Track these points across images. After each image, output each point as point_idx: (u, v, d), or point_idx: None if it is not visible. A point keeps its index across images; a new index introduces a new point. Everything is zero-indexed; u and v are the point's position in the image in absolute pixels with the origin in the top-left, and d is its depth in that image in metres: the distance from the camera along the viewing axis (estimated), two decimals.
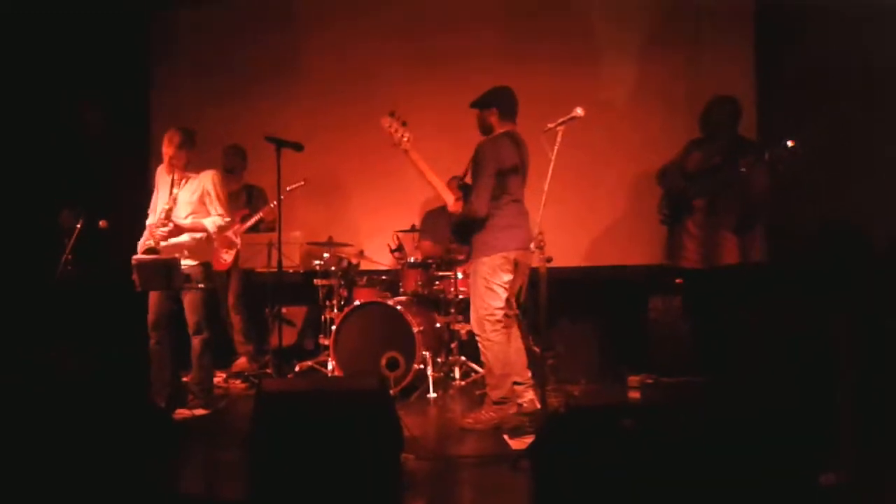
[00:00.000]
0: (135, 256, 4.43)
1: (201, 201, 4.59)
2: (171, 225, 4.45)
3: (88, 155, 6.01)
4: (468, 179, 4.31)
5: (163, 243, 4.44)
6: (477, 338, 4.21)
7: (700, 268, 4.41)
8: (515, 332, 4.27)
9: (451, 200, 4.22)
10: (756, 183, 4.18)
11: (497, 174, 4.05)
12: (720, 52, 5.82)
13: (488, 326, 4.08)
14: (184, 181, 4.59)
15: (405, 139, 4.15)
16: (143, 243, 4.49)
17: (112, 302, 4.97)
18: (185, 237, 4.53)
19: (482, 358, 4.22)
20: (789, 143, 3.89)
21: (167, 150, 4.53)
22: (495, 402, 4.13)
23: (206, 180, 4.62)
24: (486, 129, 4.29)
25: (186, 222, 4.51)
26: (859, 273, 4.33)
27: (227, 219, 4.63)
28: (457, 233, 4.41)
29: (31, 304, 5.01)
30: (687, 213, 4.43)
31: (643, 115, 6.00)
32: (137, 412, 4.36)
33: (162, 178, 4.67)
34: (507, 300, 4.14)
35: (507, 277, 4.07)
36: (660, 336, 5.18)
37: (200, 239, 4.59)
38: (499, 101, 4.24)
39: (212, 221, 4.55)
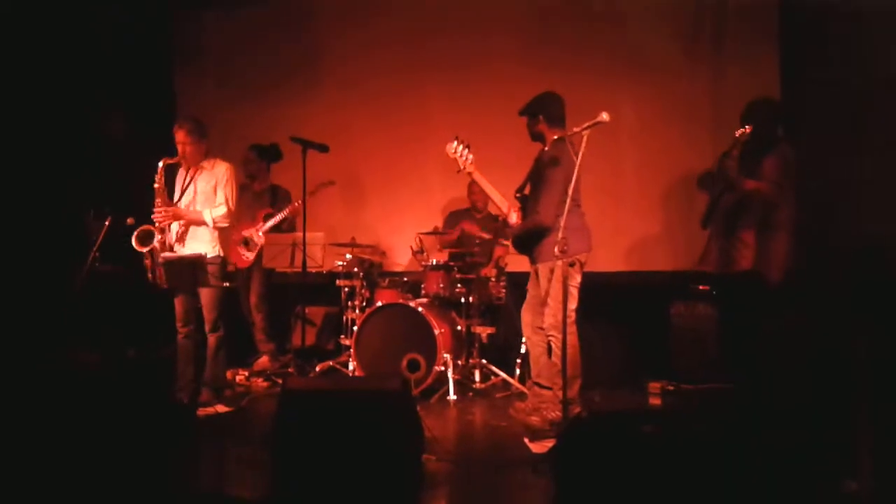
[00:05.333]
0: (163, 254, 4.51)
1: (214, 191, 4.68)
2: (170, 210, 4.55)
3: (114, 156, 6.10)
4: (527, 191, 4.36)
5: (175, 234, 4.58)
6: (551, 339, 4.20)
7: (716, 272, 4.39)
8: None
9: (512, 216, 4.31)
10: (766, 173, 4.15)
11: (563, 180, 4.06)
12: (745, 65, 5.78)
13: (566, 329, 4.10)
14: (199, 172, 4.69)
15: (470, 162, 4.23)
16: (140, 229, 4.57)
17: (140, 299, 5.04)
18: (198, 231, 4.62)
19: (554, 359, 4.20)
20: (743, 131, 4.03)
21: (186, 145, 4.62)
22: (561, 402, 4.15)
23: (221, 170, 4.71)
24: (536, 136, 4.37)
25: (190, 210, 4.63)
26: (880, 289, 4.29)
27: (224, 209, 4.64)
28: (518, 243, 4.41)
29: (60, 303, 5.09)
30: (714, 218, 4.40)
31: (666, 124, 5.98)
32: (162, 409, 4.44)
33: (181, 174, 4.79)
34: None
35: (579, 278, 4.11)
36: (681, 342, 5.16)
37: (214, 234, 4.64)
38: (543, 109, 4.30)
39: (209, 212, 4.60)
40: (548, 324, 4.20)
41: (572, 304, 4.07)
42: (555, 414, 4.13)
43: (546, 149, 4.28)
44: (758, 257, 4.23)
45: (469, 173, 4.28)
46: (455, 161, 4.26)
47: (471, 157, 4.24)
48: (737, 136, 4.11)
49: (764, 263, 4.22)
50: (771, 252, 4.25)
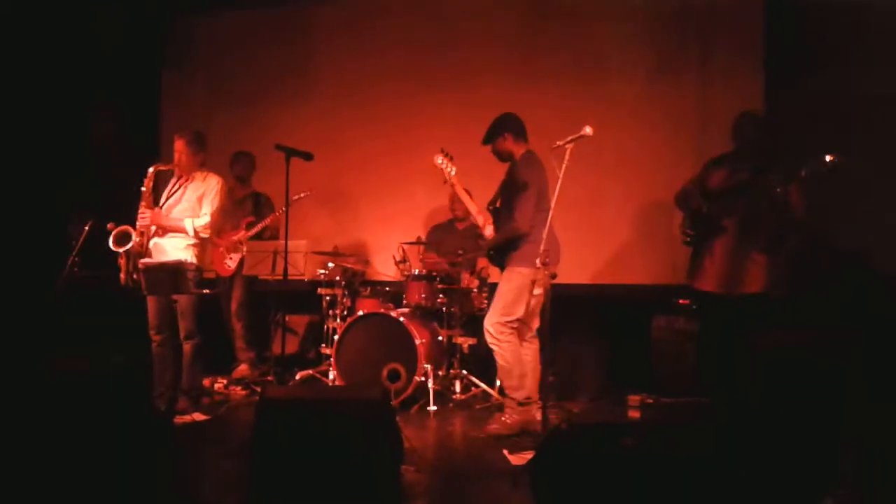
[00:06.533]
0: (142, 261, 4.48)
1: (199, 202, 4.66)
2: (148, 213, 4.52)
3: (98, 160, 6.07)
4: (499, 204, 4.41)
5: (154, 241, 4.58)
6: (490, 342, 4.27)
7: (718, 292, 4.32)
8: (536, 347, 4.35)
9: (487, 229, 4.38)
10: (793, 202, 4.11)
11: (537, 190, 4.16)
12: (729, 75, 5.83)
13: (506, 331, 4.19)
14: (189, 182, 4.68)
15: (453, 174, 4.38)
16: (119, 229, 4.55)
17: (119, 305, 4.99)
18: (174, 239, 4.59)
19: (500, 362, 4.27)
20: (828, 158, 3.76)
21: (182, 155, 4.61)
22: (520, 404, 4.19)
23: (212, 183, 4.72)
24: (505, 156, 4.42)
25: (171, 216, 4.61)
26: (870, 304, 4.32)
27: (207, 220, 4.63)
28: (493, 256, 4.47)
29: (38, 308, 5.03)
30: (714, 235, 4.35)
31: (651, 134, 6.00)
32: (138, 416, 4.40)
33: (171, 181, 4.77)
34: (537, 315, 4.27)
35: (538, 291, 4.13)
36: (662, 356, 5.18)
37: (194, 242, 4.62)
38: (508, 126, 4.37)
39: (190, 222, 4.59)
40: (488, 324, 4.27)
41: (519, 312, 4.18)
42: (513, 418, 4.20)
43: (517, 161, 4.33)
44: (769, 277, 4.23)
45: (452, 185, 4.41)
46: (441, 172, 4.39)
47: (454, 169, 4.38)
48: (821, 165, 3.92)
49: (774, 284, 4.23)
50: (779, 271, 4.25)
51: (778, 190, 4.05)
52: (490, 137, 4.40)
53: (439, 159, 4.38)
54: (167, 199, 4.68)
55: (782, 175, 4.03)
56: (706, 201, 4.40)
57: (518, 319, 4.21)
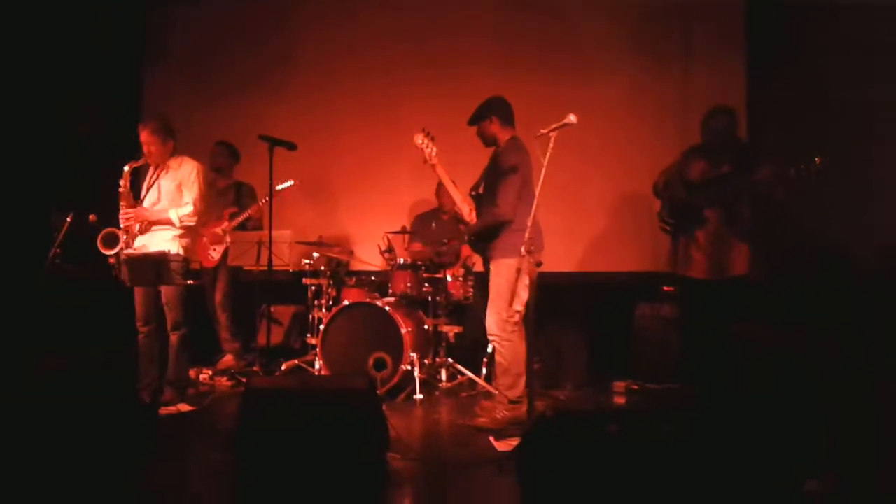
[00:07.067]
0: (124, 251, 4.44)
1: (179, 189, 4.61)
2: (132, 212, 4.50)
3: (79, 152, 6.00)
4: (481, 190, 4.36)
5: (139, 239, 4.54)
6: (492, 338, 4.21)
7: (707, 278, 4.38)
8: (523, 335, 4.31)
9: (469, 213, 4.32)
10: (776, 198, 4.17)
11: (521, 176, 4.11)
12: (712, 65, 5.87)
13: (508, 328, 4.13)
14: (165, 171, 4.63)
15: (434, 154, 4.26)
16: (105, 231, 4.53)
17: (101, 297, 4.96)
18: (160, 231, 4.56)
19: (498, 359, 4.22)
20: (817, 161, 3.86)
21: (150, 145, 4.56)
22: (511, 402, 4.16)
23: (187, 169, 4.65)
24: (490, 140, 4.37)
25: (155, 210, 4.57)
26: (841, 293, 4.38)
27: (190, 208, 4.58)
28: (475, 242, 4.41)
29: (20, 300, 4.98)
30: (696, 224, 4.39)
31: (635, 122, 6.04)
32: (123, 408, 4.36)
33: (148, 173, 4.73)
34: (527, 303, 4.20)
35: (526, 282, 4.11)
36: (646, 343, 5.21)
37: (176, 232, 4.58)
38: (496, 110, 4.30)
39: (175, 212, 4.54)
40: (491, 321, 4.20)
41: (518, 305, 4.13)
42: (502, 414, 4.17)
43: (501, 147, 4.30)
44: (752, 261, 4.29)
45: (433, 165, 4.30)
46: (421, 151, 4.29)
47: (435, 149, 4.27)
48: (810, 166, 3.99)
49: (756, 269, 4.28)
50: (760, 258, 4.32)
51: (762, 188, 4.12)
52: (476, 118, 4.34)
53: (419, 139, 4.25)
54: (146, 191, 4.63)
55: (771, 175, 4.09)
56: (686, 190, 4.44)
57: (518, 312, 4.14)
